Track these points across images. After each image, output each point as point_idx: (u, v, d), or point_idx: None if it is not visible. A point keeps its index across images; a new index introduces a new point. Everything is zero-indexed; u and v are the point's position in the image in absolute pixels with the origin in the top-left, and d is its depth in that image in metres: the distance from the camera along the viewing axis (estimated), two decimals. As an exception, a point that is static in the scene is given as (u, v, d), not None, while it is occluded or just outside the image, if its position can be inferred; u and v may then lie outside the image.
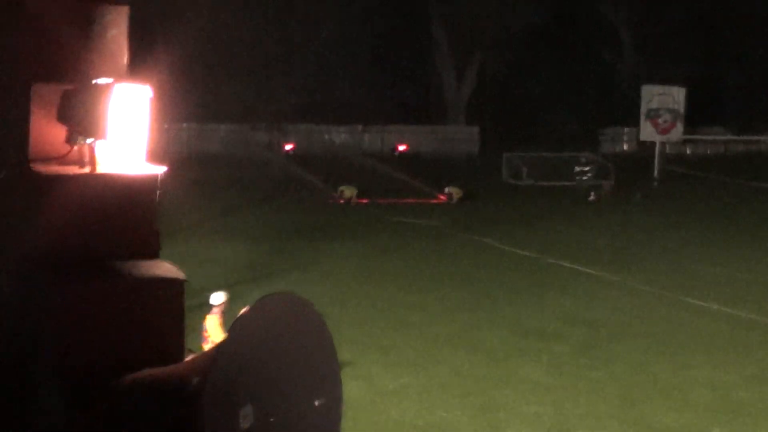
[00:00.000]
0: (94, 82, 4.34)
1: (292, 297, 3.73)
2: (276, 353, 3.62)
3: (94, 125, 4.29)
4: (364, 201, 35.22)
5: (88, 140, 4.33)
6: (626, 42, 58.51)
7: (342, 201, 35.18)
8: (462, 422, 14.45)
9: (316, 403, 3.70)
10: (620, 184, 39.44)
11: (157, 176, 4.42)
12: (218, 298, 14.29)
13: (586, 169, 39.78)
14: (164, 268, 4.34)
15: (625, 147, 54.15)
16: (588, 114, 53.82)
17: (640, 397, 15.52)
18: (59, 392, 4.02)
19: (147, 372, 3.90)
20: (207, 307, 14.10)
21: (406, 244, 27.72)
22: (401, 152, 50.22)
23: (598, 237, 29.59)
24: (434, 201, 35.96)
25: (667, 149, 46.48)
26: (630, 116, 47.80)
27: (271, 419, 3.59)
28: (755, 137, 51.58)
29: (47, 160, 4.42)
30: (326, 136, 52.08)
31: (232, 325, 3.52)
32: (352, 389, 14.28)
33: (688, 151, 52.61)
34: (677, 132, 44.07)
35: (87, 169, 4.37)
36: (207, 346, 13.04)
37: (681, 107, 43.51)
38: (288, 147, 48.10)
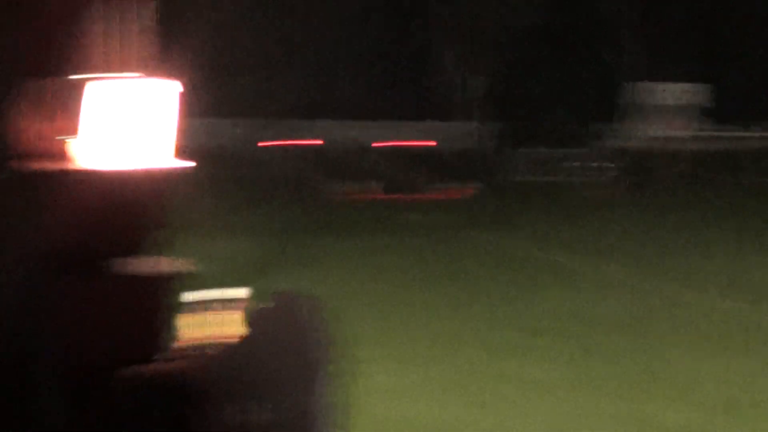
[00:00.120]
0: (69, 77, 4.28)
1: (293, 295, 3.72)
2: (279, 351, 3.60)
3: (68, 122, 4.24)
4: (366, 197, 35.30)
5: (68, 138, 4.28)
6: (626, 42, 58.54)
7: (344, 197, 35.28)
8: (463, 420, 14.42)
9: (318, 401, 3.69)
10: (624, 181, 39.47)
11: (167, 171, 4.37)
12: (236, 293, 14.24)
13: (594, 165, 39.92)
14: (168, 264, 4.32)
15: (628, 144, 54.11)
16: (588, 113, 53.88)
17: (642, 395, 15.48)
18: (59, 392, 3.99)
19: (149, 369, 3.89)
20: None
21: (408, 241, 27.73)
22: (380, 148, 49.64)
23: (600, 234, 29.61)
24: (436, 197, 36.01)
25: (671, 146, 46.50)
26: (631, 113, 47.88)
27: (274, 417, 3.58)
28: (758, 134, 51.52)
29: (43, 156, 4.38)
30: (328, 134, 52.08)
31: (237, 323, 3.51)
32: (352, 387, 14.25)
33: (692, 148, 52.59)
34: (682, 129, 44.13)
35: (75, 166, 4.32)
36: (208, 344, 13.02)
37: (687, 103, 43.56)
38: (307, 143, 47.69)
